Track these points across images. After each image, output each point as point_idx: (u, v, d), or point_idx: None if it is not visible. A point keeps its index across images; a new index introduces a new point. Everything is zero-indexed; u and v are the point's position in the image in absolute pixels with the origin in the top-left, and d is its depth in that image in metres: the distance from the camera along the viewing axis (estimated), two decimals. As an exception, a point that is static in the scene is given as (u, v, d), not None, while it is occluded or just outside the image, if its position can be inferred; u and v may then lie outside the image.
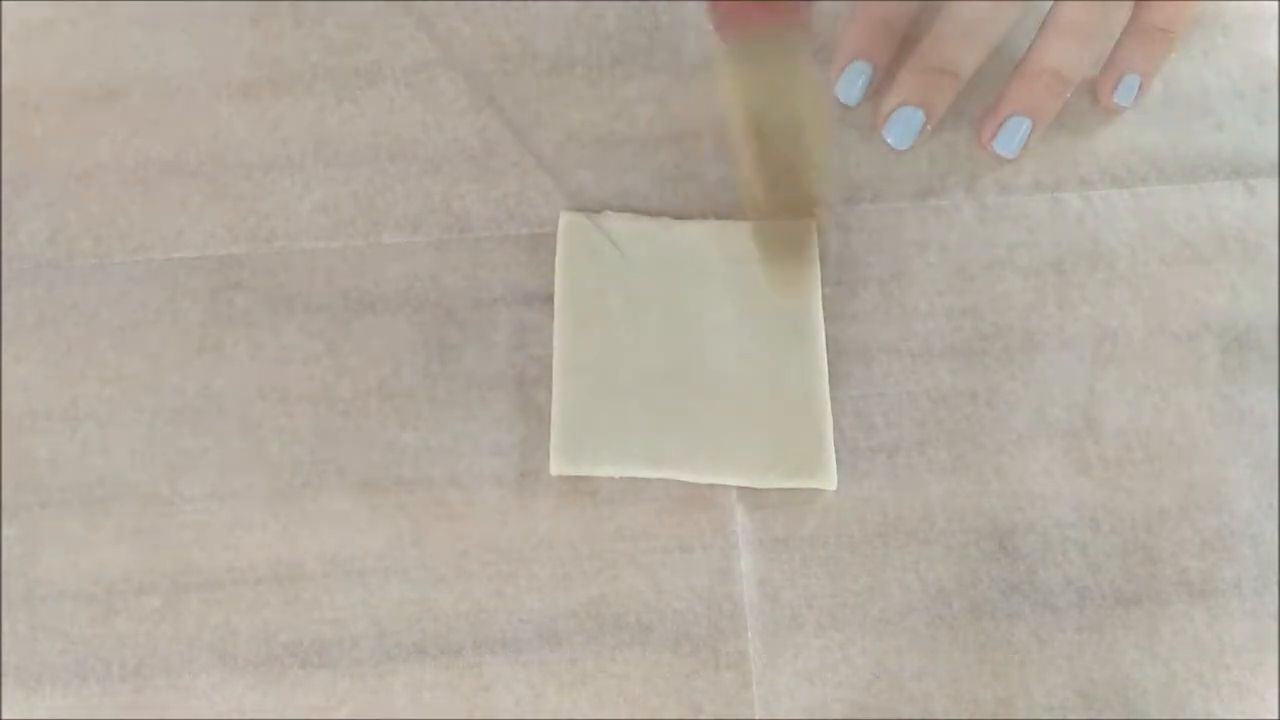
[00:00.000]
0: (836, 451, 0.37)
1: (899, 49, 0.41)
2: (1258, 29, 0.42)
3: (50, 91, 0.42)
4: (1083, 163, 0.41)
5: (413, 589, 0.36)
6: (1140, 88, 0.40)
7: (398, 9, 0.43)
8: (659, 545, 0.37)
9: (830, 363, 0.38)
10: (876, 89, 0.41)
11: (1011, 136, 0.40)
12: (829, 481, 0.37)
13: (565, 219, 0.40)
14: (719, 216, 0.40)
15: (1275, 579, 0.36)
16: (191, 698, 0.35)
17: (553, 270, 0.39)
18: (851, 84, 0.40)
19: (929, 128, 0.40)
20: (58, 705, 0.35)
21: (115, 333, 0.39)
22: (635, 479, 0.37)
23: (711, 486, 0.37)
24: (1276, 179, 0.40)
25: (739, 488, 0.37)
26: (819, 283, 0.39)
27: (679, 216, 0.40)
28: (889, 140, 0.40)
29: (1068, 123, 0.41)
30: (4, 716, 0.35)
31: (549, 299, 0.39)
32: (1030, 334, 0.39)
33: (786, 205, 0.37)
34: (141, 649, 0.36)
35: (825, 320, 0.38)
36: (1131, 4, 0.39)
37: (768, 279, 0.39)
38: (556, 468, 0.37)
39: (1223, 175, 0.41)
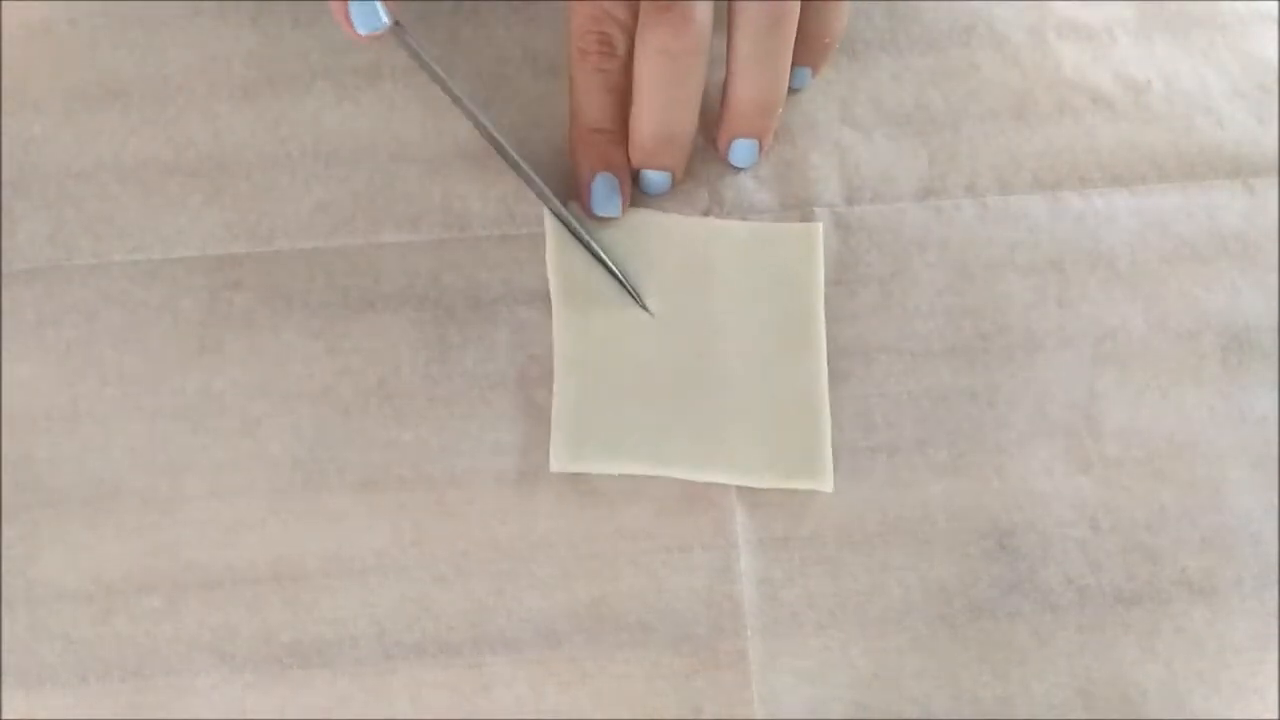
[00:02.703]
0: (836, 451, 0.37)
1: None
2: (1257, 28, 0.42)
3: (49, 91, 0.42)
4: (1083, 161, 0.41)
5: (413, 588, 0.36)
6: (811, 76, 0.41)
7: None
8: (659, 545, 0.37)
9: (830, 362, 0.38)
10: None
11: (743, 153, 0.40)
12: (826, 484, 0.37)
13: (550, 218, 0.40)
14: (719, 215, 0.40)
15: (1275, 578, 0.36)
16: (191, 698, 0.35)
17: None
18: (606, 198, 0.39)
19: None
20: (58, 705, 0.35)
21: (114, 332, 0.39)
22: (635, 478, 0.37)
23: (711, 486, 0.37)
24: (1276, 178, 0.40)
25: (739, 487, 0.37)
26: (821, 284, 0.39)
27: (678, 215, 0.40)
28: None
29: (1067, 121, 0.41)
30: (4, 716, 0.35)
31: (548, 298, 0.39)
32: (1030, 333, 0.39)
33: None
34: (141, 649, 0.36)
35: (825, 320, 0.38)
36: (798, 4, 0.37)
37: (769, 278, 0.39)
38: (556, 464, 0.37)
39: (1223, 174, 0.41)
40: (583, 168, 0.39)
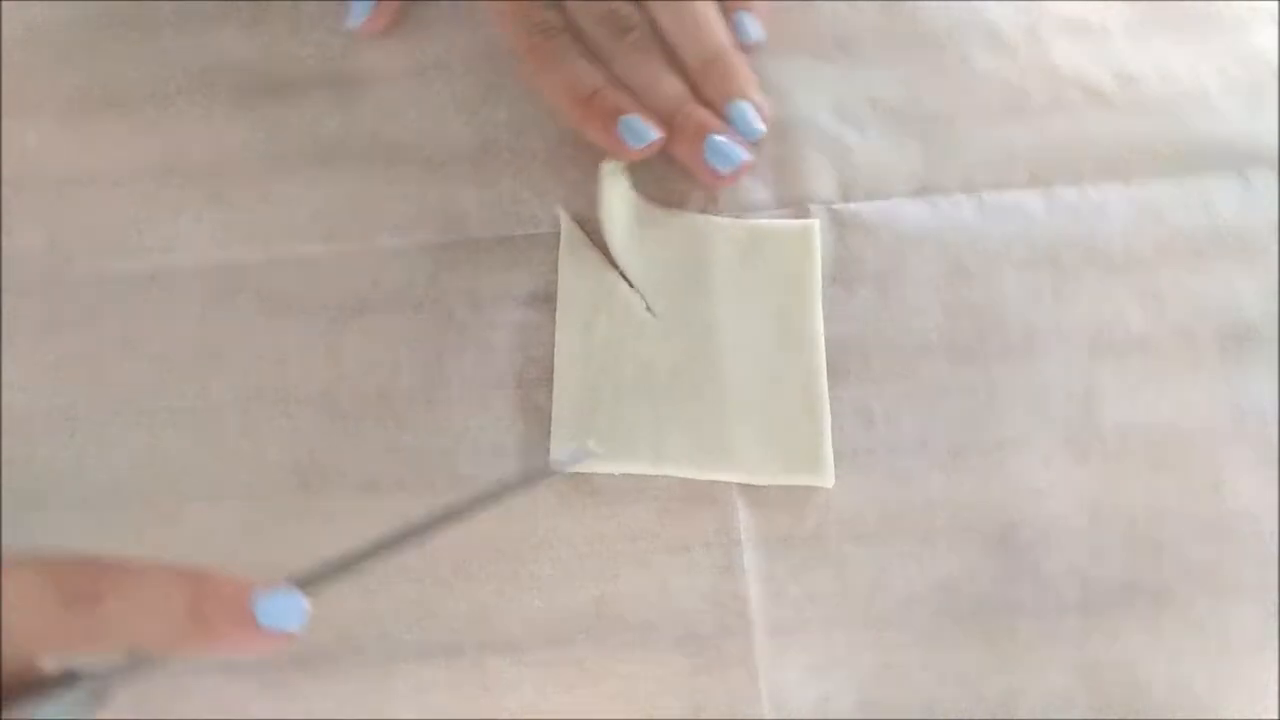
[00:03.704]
0: (837, 448, 0.37)
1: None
2: (1251, 20, 0.43)
3: (44, 99, 0.42)
4: (1077, 155, 0.41)
5: (415, 592, 0.36)
6: (757, 23, 0.41)
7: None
8: (661, 544, 0.37)
9: (829, 359, 0.38)
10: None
11: (740, 115, 0.39)
12: (826, 479, 0.37)
13: (566, 217, 0.40)
14: (715, 213, 0.40)
15: (1276, 564, 0.36)
16: (193, 703, 0.35)
17: (549, 270, 0.39)
18: (640, 130, 0.38)
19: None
20: (59, 709, 0.35)
21: (113, 341, 0.39)
22: (636, 477, 0.37)
23: (713, 484, 0.37)
24: (1271, 168, 0.40)
25: (740, 484, 0.37)
26: (819, 281, 0.39)
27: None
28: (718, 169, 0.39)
29: (1061, 115, 0.41)
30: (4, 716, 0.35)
31: (547, 299, 0.39)
32: (1028, 327, 0.39)
33: None
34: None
35: (823, 316, 0.38)
36: None
37: (767, 276, 0.39)
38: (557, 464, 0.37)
39: (1217, 165, 0.41)
40: (601, 126, 0.39)
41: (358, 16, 0.41)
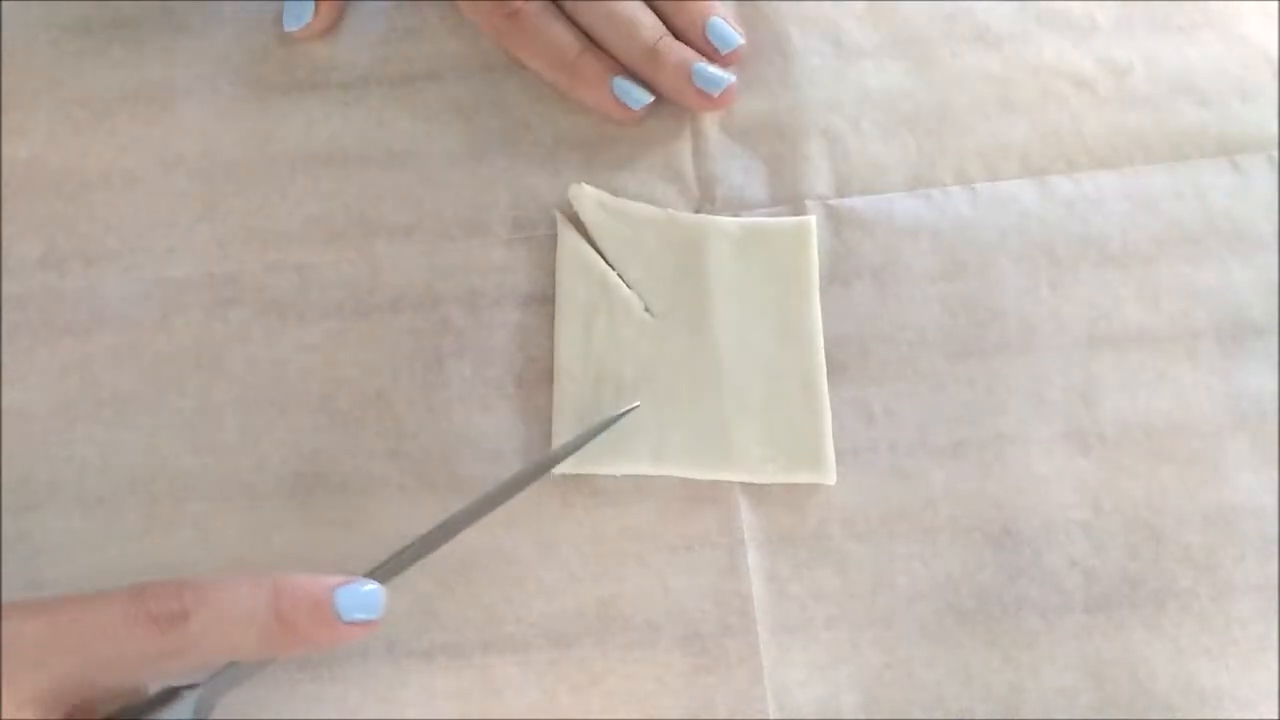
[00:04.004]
0: (837, 444, 0.37)
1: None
2: (1237, 7, 0.43)
3: (34, 114, 0.42)
4: (1069, 146, 0.41)
5: (419, 596, 0.36)
6: None
7: (381, 21, 0.43)
8: (664, 544, 0.37)
9: (827, 355, 0.38)
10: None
11: (717, 30, 0.40)
12: (828, 476, 0.37)
13: (563, 219, 0.40)
14: (711, 212, 0.40)
15: (1277, 551, 0.36)
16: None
17: (547, 272, 0.39)
18: (633, 91, 0.40)
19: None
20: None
21: (110, 353, 0.39)
22: (638, 478, 0.37)
23: (715, 483, 0.37)
24: (1263, 155, 0.41)
25: (742, 484, 0.37)
26: (816, 277, 0.39)
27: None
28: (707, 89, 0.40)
29: (1051, 107, 0.41)
30: (4, 717, 0.35)
31: (544, 301, 0.39)
32: (1025, 318, 0.39)
33: None
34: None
35: (821, 312, 0.38)
36: None
37: (764, 274, 0.39)
38: (559, 467, 0.37)
39: (1209, 153, 0.41)
40: (592, 89, 0.40)
41: (297, 20, 0.42)
